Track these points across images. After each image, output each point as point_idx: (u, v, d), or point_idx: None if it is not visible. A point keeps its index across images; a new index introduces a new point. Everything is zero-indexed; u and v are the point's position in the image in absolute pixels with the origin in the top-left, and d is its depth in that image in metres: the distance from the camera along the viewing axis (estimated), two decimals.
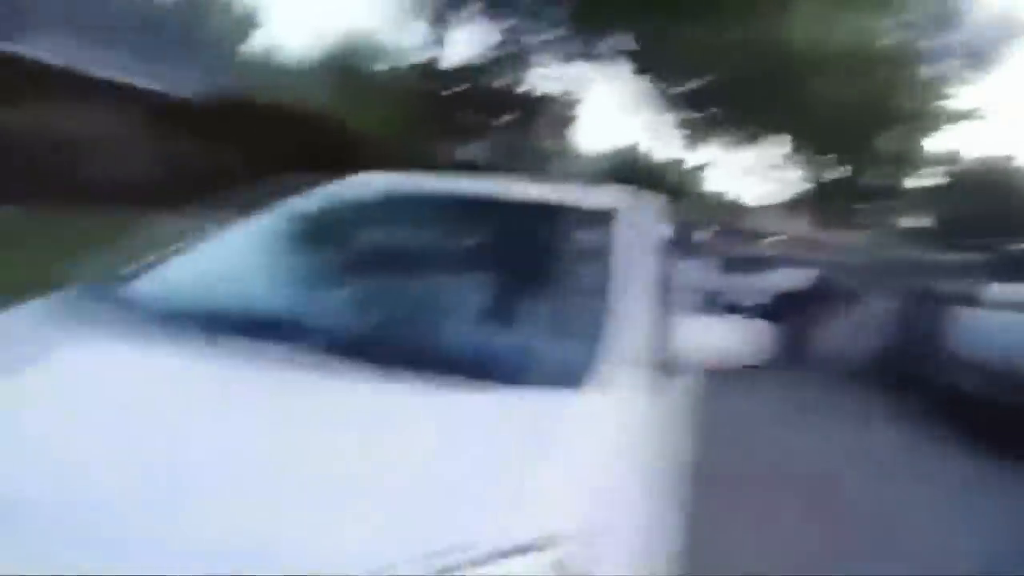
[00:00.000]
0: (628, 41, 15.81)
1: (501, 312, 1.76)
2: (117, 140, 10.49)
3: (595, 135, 50.26)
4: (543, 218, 2.15)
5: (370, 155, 12.85)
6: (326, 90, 16.36)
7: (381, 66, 16.82)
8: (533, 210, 2.22)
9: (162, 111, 11.77)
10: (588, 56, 15.62)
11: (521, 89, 13.59)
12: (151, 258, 2.10)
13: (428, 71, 13.32)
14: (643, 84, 18.63)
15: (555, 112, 15.68)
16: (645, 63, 16.97)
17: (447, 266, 1.95)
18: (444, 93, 12.80)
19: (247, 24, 24.88)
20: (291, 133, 12.08)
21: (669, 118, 20.56)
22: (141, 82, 12.33)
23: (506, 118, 14.51)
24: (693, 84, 18.58)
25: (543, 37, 14.51)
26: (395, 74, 15.46)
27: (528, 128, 15.46)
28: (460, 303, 1.81)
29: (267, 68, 17.84)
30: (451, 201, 2.23)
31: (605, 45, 15.58)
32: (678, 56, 15.64)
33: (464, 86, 13.02)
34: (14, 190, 8.59)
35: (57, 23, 11.57)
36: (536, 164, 15.55)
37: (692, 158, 23.48)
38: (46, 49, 10.74)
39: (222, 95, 13.04)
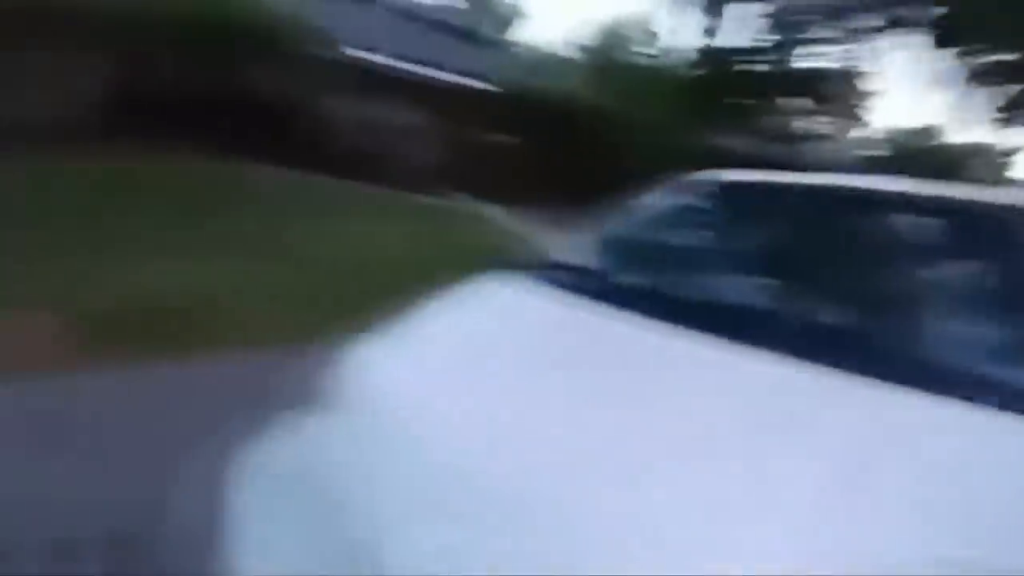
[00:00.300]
0: (926, 8, 13.69)
1: (987, 331, 1.58)
2: (416, 129, 11.96)
3: (885, 116, 43.93)
4: (998, 224, 1.89)
5: (640, 145, 13.00)
6: (593, 80, 16.71)
7: (648, 53, 16.70)
8: (980, 214, 1.96)
9: (452, 103, 13.13)
10: (878, 29, 13.85)
11: (801, 69, 12.44)
12: (569, 243, 2.27)
13: (699, 55, 12.87)
14: (943, 56, 16.05)
15: (839, 93, 14.19)
16: (947, 32, 14.55)
17: (906, 270, 1.82)
18: (716, 78, 12.26)
19: (514, 16, 26.60)
20: (563, 123, 12.70)
21: (975, 96, 17.47)
22: (435, 77, 13.71)
23: (784, 101, 13.47)
24: (1008, 55, 15.49)
25: (825, 7, 13.14)
26: (663, 60, 15.24)
27: (810, 111, 14.20)
28: (934, 316, 1.66)
29: (535, 59, 18.75)
30: (891, 202, 2.06)
31: (898, 14, 13.67)
32: (990, 23, 13.13)
33: (739, 69, 12.33)
34: (338, 167, 10.41)
35: (371, 33, 13.37)
36: (818, 149, 14.28)
37: (1003, 142, 19.73)
38: (367, 53, 12.48)
39: (499, 87, 14.13)
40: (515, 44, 21.70)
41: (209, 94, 9.93)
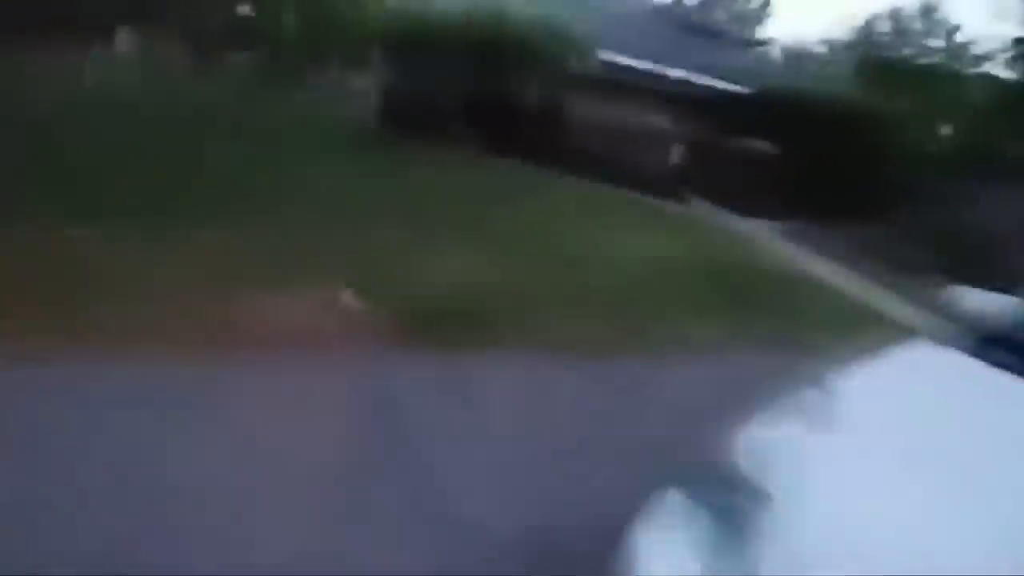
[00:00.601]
0: None
1: None
2: (666, 132, 11.60)
3: None
4: None
5: (922, 154, 11.27)
6: (862, 79, 14.94)
7: (933, 46, 14.48)
8: None
9: (703, 106, 12.53)
10: None
11: None
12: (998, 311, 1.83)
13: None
14: None
15: None
16: None
17: None
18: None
19: (766, 12, 24.89)
20: (825, 128, 11.43)
21: None
22: (687, 80, 13.20)
23: None
24: None
25: None
26: (955, 54, 13.10)
27: None
28: None
29: (792, 58, 17.32)
30: None
31: None
32: None
33: None
34: (588, 168, 10.47)
35: (622, 36, 13.28)
36: None
37: None
38: (619, 56, 12.41)
39: (754, 89, 13.19)
40: (770, 42, 20.21)
41: (474, 99, 10.57)
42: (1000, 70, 11.54)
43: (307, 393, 3.03)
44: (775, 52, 18.48)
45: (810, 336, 5.05)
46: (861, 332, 5.59)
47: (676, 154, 11.24)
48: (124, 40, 18.78)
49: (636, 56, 12.98)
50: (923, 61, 16.77)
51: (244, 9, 23.36)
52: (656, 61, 13.14)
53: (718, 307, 5.28)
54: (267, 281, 4.14)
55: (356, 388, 3.14)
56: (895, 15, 20.42)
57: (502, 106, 10.84)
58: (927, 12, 19.07)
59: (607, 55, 12.28)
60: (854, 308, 6.52)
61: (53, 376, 2.68)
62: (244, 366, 3.17)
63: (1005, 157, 10.62)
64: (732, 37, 17.65)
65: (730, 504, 1.35)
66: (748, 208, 10.52)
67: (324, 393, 3.04)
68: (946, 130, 11.17)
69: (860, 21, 20.85)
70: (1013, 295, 1.92)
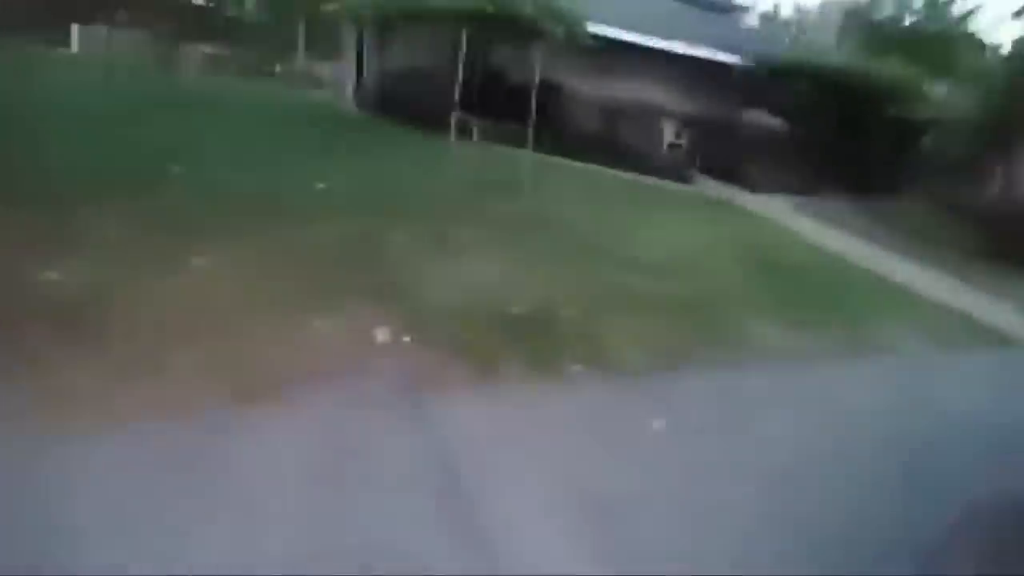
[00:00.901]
0: None
1: None
2: (668, 110, 10.97)
3: None
4: None
5: (940, 129, 10.77)
6: (853, 47, 14.41)
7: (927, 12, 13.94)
8: None
9: (699, 78, 11.93)
10: None
11: None
12: None
13: None
14: None
15: None
16: None
17: None
18: None
19: None
20: (829, 100, 10.93)
21: None
22: (684, 52, 12.53)
23: None
24: None
25: None
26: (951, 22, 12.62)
27: None
28: None
29: (788, 27, 16.71)
30: None
31: None
32: None
33: None
34: (593, 150, 9.89)
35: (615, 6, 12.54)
36: None
37: None
38: (612, 28, 11.68)
39: (754, 61, 12.62)
40: (756, 8, 19.52)
41: (460, 78, 9.88)
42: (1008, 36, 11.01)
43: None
44: (764, 20, 17.84)
45: (890, 337, 4.55)
46: (933, 324, 5.09)
47: (677, 131, 10.63)
48: (82, 33, 17.66)
49: (629, 28, 12.28)
50: (925, 28, 16.24)
51: None
52: (650, 33, 12.45)
53: (778, 305, 4.72)
54: (289, 301, 3.48)
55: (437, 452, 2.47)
56: None
57: (490, 85, 10.16)
58: None
59: (598, 28, 11.58)
60: (905, 295, 5.99)
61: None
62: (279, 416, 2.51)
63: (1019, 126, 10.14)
64: (722, 5, 16.97)
65: None
66: (757, 184, 9.98)
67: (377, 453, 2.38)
68: (957, 99, 10.68)
69: None
70: None
